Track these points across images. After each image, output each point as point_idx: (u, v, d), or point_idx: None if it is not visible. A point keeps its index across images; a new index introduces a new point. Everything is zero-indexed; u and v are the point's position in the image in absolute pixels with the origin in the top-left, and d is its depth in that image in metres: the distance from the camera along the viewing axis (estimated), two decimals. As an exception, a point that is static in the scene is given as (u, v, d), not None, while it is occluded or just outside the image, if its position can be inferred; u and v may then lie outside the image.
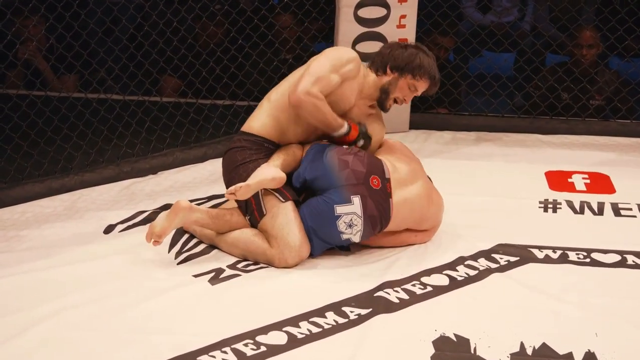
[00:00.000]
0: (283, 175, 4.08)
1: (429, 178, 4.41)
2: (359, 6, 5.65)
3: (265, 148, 4.27)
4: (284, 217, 4.07)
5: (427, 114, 6.18)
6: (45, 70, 5.96)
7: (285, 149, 4.27)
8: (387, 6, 5.67)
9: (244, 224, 4.20)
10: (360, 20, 5.67)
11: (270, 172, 4.08)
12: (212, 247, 4.28)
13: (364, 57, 5.58)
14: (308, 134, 4.32)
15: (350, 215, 4.03)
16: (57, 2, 5.03)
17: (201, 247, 4.30)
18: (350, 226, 4.06)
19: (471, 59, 6.56)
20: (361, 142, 4.26)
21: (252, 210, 4.14)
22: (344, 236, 4.09)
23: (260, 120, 4.30)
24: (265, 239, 4.11)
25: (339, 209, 4.03)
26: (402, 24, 5.70)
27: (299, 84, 4.13)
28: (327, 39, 6.19)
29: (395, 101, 4.35)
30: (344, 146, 4.21)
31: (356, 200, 4.03)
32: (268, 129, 4.28)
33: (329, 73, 4.18)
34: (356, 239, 4.11)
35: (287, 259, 4.06)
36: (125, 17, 5.65)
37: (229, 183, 4.25)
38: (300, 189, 4.20)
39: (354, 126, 4.25)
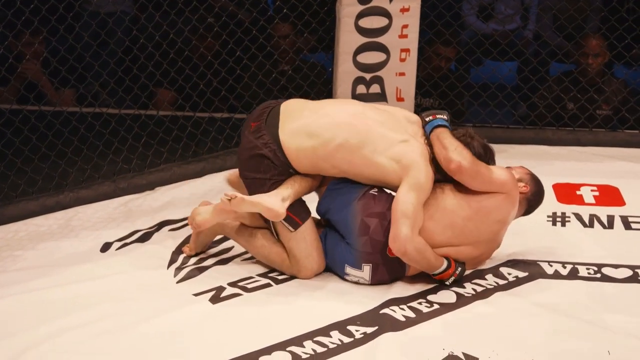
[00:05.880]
0: (282, 212, 3.95)
1: None
2: (359, 16, 5.52)
3: (290, 173, 4.06)
4: (307, 242, 4.04)
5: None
6: (45, 85, 5.87)
7: (300, 178, 4.07)
8: (388, 16, 5.54)
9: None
10: (362, 31, 5.54)
11: (269, 202, 3.95)
12: (212, 264, 4.21)
13: (364, 67, 5.56)
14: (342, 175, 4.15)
15: (357, 278, 4.03)
16: (51, 15, 4.94)
17: (201, 264, 4.21)
18: (357, 282, 4.04)
19: (474, 69, 6.46)
20: (451, 279, 4.00)
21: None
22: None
23: (300, 150, 4.00)
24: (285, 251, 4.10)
25: (349, 269, 4.02)
26: (404, 33, 5.58)
27: (398, 231, 3.84)
28: (327, 49, 6.09)
29: None
30: (374, 190, 4.06)
31: (367, 268, 3.99)
32: (302, 163, 4.03)
33: (420, 206, 3.91)
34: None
35: (300, 275, 4.07)
36: (120, 30, 5.55)
37: (243, 179, 4.13)
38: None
39: (453, 264, 3.99)
